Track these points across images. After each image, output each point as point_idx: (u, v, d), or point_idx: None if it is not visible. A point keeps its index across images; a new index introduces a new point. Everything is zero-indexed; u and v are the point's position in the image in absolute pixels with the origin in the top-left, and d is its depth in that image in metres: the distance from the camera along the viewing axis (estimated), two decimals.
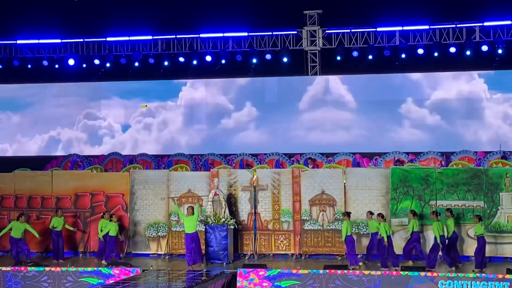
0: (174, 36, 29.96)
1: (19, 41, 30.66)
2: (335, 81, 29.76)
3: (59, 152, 31.03)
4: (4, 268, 19.64)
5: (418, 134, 29.10)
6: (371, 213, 21.19)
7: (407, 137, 29.10)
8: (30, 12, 29.29)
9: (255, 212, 22.55)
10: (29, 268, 19.57)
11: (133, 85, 31.22)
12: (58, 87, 31.73)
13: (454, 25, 28.08)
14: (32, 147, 31.70)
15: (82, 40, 30.49)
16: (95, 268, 19.55)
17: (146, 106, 31.02)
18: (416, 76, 29.37)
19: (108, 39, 30.32)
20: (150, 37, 30.14)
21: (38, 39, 30.55)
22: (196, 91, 30.85)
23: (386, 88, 29.39)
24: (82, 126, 31.48)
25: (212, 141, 30.35)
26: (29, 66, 30.65)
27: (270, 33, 29.43)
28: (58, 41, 30.52)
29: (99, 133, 31.42)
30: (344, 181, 22.27)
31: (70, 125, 31.58)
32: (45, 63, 30.48)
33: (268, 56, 29.34)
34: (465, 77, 29.07)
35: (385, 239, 20.26)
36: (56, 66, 30.63)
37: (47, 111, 31.69)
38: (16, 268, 19.68)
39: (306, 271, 18.56)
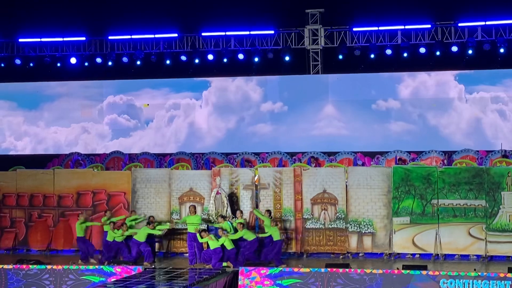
0: (176, 35, 29.92)
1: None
2: (336, 79, 29.73)
3: (81, 146, 30.89)
4: (6, 266, 19.64)
5: (417, 133, 29.10)
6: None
7: (407, 136, 29.11)
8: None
9: None
10: (30, 266, 19.57)
11: (138, 83, 31.28)
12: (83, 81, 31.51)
13: (455, 24, 28.09)
14: (55, 142, 31.53)
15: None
16: (97, 266, 19.57)
17: (147, 105, 30.99)
18: (416, 75, 29.34)
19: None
20: (151, 36, 30.12)
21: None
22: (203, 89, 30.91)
23: (385, 88, 29.39)
24: (107, 121, 31.29)
25: (217, 139, 30.37)
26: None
27: (272, 31, 29.40)
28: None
29: (123, 127, 31.21)
30: (346, 180, 22.28)
31: (93, 119, 31.41)
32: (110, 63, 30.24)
33: (270, 55, 29.32)
34: (465, 77, 29.06)
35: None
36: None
37: (71, 105, 31.53)
38: (18, 266, 19.69)
39: (307, 270, 18.54)
